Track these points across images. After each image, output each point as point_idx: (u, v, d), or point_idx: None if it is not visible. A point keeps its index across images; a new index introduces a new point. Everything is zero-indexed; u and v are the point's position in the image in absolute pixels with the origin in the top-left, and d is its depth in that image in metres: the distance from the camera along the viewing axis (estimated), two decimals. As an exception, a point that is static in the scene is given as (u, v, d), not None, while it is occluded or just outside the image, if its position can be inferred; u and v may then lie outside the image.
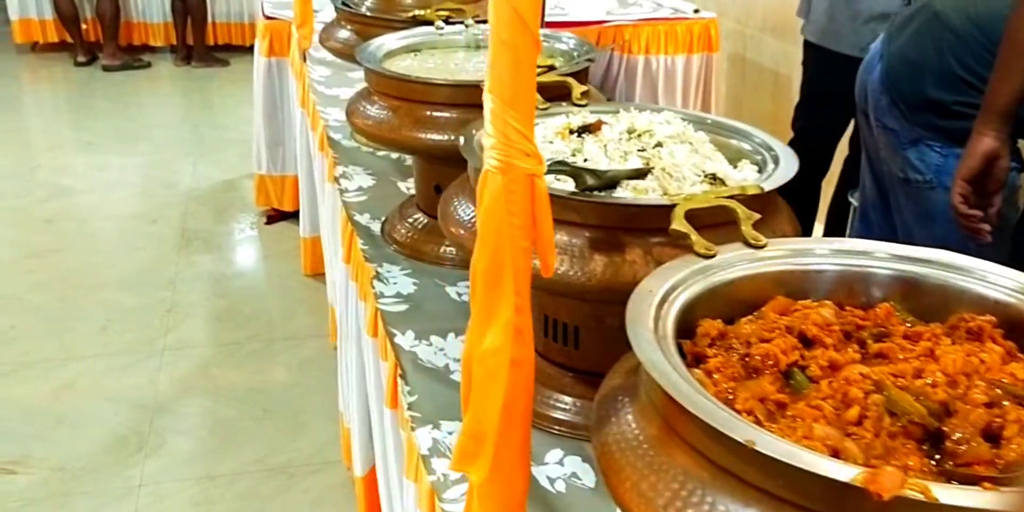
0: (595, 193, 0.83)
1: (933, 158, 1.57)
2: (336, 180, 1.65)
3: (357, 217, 1.49)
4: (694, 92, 3.60)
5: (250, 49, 5.89)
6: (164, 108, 4.88)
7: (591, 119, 1.03)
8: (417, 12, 1.58)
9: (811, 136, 2.71)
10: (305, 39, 2.44)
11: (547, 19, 2.63)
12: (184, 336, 2.53)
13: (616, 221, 0.81)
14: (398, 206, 1.47)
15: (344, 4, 1.75)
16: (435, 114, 1.20)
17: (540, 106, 1.07)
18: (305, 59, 2.49)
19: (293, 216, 3.30)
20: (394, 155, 1.75)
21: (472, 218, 0.92)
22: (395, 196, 1.57)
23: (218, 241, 3.18)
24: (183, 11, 5.51)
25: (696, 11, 3.54)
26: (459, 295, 1.24)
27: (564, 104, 1.09)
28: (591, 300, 0.85)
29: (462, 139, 0.98)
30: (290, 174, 3.23)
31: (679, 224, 0.71)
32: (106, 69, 5.42)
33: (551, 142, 0.95)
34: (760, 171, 0.91)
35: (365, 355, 1.27)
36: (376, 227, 1.46)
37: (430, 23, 1.58)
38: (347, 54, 1.69)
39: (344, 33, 1.71)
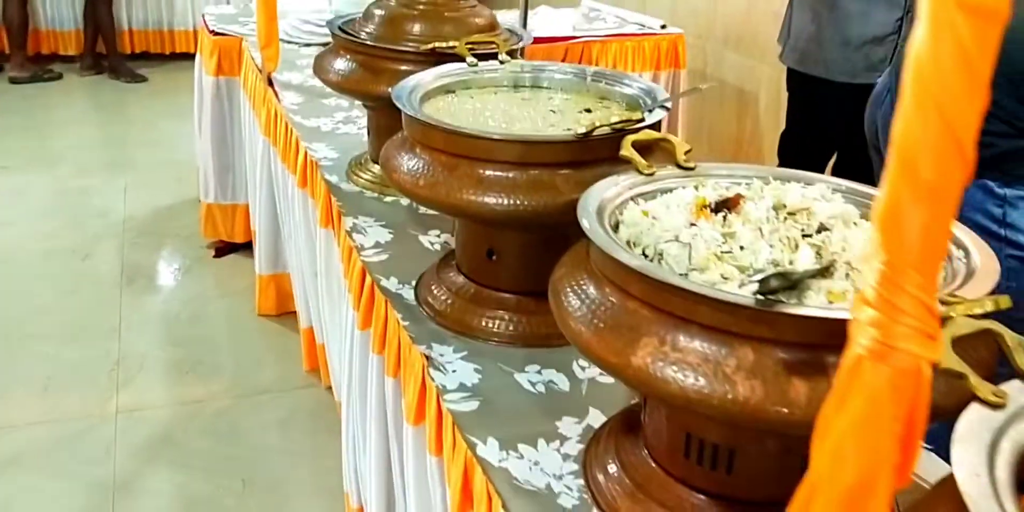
0: (781, 298, 0.68)
1: None
2: (349, 235, 1.45)
3: (385, 282, 1.30)
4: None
5: (169, 57, 5.65)
6: (84, 125, 4.51)
7: (711, 188, 0.88)
8: (438, 44, 1.40)
9: (800, 165, 2.63)
10: (270, 61, 2.22)
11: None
12: (138, 395, 2.27)
13: (822, 337, 0.65)
14: (433, 268, 1.28)
15: (341, 30, 1.55)
16: (497, 174, 1.03)
17: (645, 170, 0.91)
18: (271, 83, 2.27)
19: (243, 248, 3.05)
20: (405, 200, 1.56)
21: (598, 307, 0.75)
22: (420, 253, 1.38)
23: (164, 279, 2.90)
24: (93, 18, 5.13)
25: (663, 27, 3.45)
26: (532, 385, 1.06)
27: (668, 167, 0.93)
28: (782, 433, 0.69)
29: (580, 207, 0.82)
30: (241, 203, 2.98)
31: (952, 363, 0.56)
32: (13, 81, 5.01)
33: (694, 224, 0.79)
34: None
35: (429, 473, 1.07)
36: (407, 293, 1.27)
37: (447, 56, 1.40)
38: (349, 88, 1.50)
39: (342, 63, 1.51)
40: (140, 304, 2.73)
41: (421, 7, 1.50)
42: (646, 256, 0.79)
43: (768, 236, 0.78)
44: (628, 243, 0.81)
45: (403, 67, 1.46)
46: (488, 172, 1.04)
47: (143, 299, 2.77)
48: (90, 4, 5.13)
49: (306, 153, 1.82)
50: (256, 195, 2.44)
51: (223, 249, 3.10)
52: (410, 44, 1.47)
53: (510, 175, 1.03)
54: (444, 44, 1.39)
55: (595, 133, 1.01)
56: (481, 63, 1.31)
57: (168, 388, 2.30)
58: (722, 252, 0.75)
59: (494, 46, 1.36)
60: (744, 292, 0.68)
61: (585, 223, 0.79)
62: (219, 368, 2.40)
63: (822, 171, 2.70)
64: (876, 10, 2.33)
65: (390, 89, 1.43)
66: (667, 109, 1.13)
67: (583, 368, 1.10)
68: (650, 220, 0.82)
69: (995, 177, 1.50)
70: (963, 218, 1.61)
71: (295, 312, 2.29)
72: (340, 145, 1.85)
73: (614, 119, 1.15)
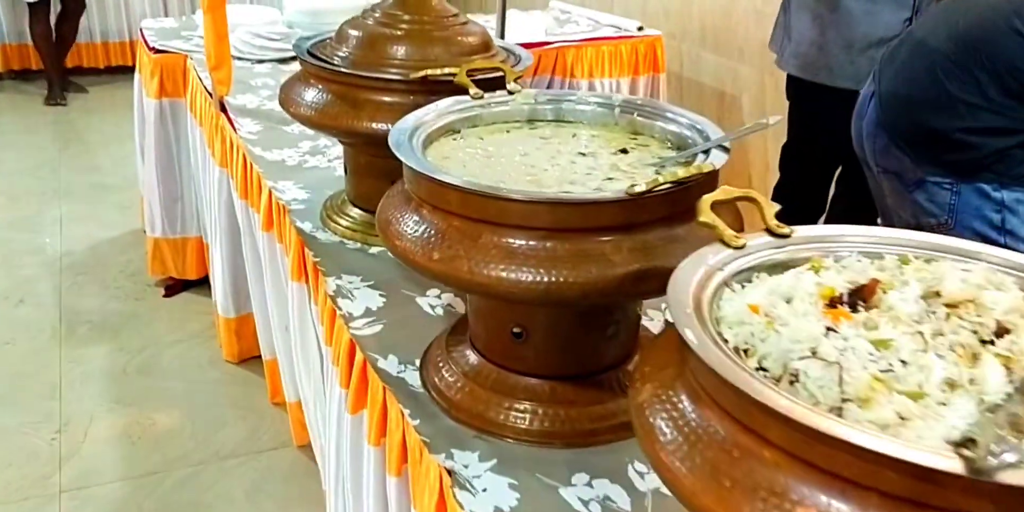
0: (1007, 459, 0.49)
1: (944, 197, 1.45)
2: (332, 300, 1.23)
3: (382, 363, 1.09)
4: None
5: (105, 71, 5.33)
6: (12, 148, 4.20)
7: (833, 270, 0.69)
8: (431, 71, 1.19)
9: (805, 179, 2.47)
10: (222, 84, 2.00)
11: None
12: (86, 467, 2.02)
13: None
14: (441, 343, 1.08)
15: (311, 54, 1.33)
16: (532, 244, 0.83)
17: (734, 243, 0.72)
18: (224, 109, 2.04)
19: (196, 285, 2.81)
20: (379, 250, 1.35)
21: (715, 454, 0.56)
22: (420, 321, 1.18)
23: (110, 325, 2.64)
24: (59, 32, 4.78)
25: (640, 28, 3.29)
26: (584, 504, 0.87)
27: (756, 233, 0.75)
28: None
29: (672, 304, 0.62)
30: (192, 236, 2.74)
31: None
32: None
33: (832, 330, 0.60)
34: None
35: None
36: (411, 377, 1.07)
37: (441, 84, 1.20)
38: (324, 124, 1.28)
39: (315, 95, 1.29)
40: (83, 356, 2.48)
41: (405, 26, 1.29)
42: (763, 369, 0.60)
43: (932, 342, 0.59)
44: (737, 350, 0.62)
45: (387, 98, 1.25)
46: (520, 241, 0.84)
47: (86, 350, 2.51)
48: (61, 17, 4.79)
49: (271, 194, 1.60)
50: (214, 231, 2.20)
51: (174, 287, 2.85)
52: (395, 70, 1.26)
53: (548, 245, 0.83)
54: (439, 71, 1.19)
55: (657, 188, 0.81)
56: (487, 94, 1.11)
57: (119, 458, 2.05)
58: (880, 371, 0.57)
59: (500, 72, 1.16)
60: (946, 449, 0.49)
61: (690, 335, 0.59)
62: (176, 430, 2.16)
63: (828, 184, 2.55)
64: (882, 9, 2.18)
65: (374, 125, 1.24)
66: (727, 151, 0.94)
67: (641, 474, 0.91)
68: (763, 319, 0.63)
69: (990, 179, 1.42)
70: (961, 226, 1.52)
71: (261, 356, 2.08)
72: (310, 182, 1.63)
73: (654, 161, 0.96)
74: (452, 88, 1.22)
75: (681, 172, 0.81)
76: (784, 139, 2.66)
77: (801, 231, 0.76)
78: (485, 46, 1.34)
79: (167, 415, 2.22)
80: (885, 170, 1.55)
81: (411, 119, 1.02)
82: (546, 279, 0.82)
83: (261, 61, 2.50)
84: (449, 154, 1.00)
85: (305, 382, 1.62)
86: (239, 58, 2.47)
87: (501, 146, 1.03)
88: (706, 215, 0.74)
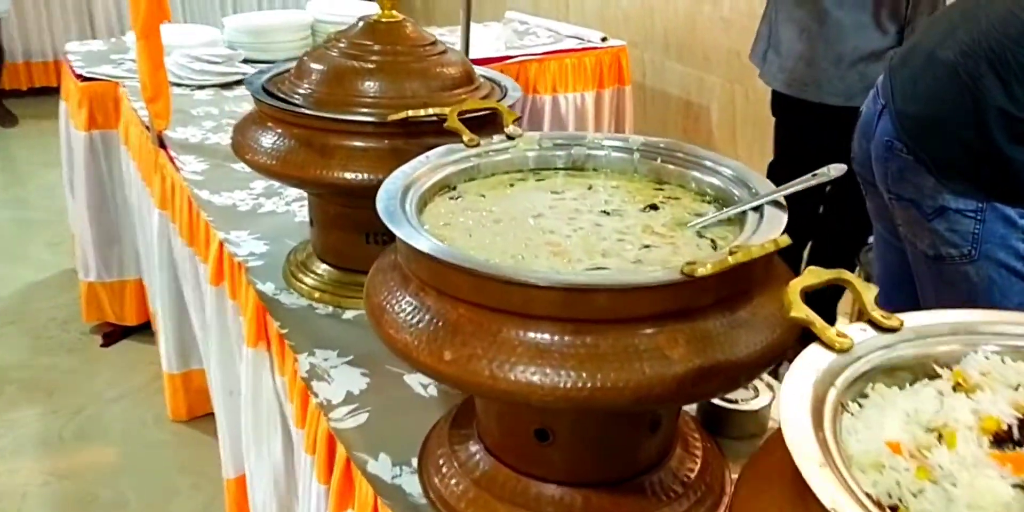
0: None
1: (967, 226, 1.35)
2: (307, 383, 1.07)
3: (372, 466, 0.93)
4: (607, 131, 3.26)
5: (28, 93, 5.03)
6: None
7: (988, 391, 0.55)
8: (413, 113, 1.04)
9: (792, 199, 2.37)
10: (160, 118, 1.81)
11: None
12: (19, 554, 1.82)
13: None
14: (443, 437, 0.92)
15: (267, 92, 1.17)
16: (569, 340, 0.68)
17: (841, 346, 0.58)
18: (163, 144, 1.85)
19: (137, 331, 2.61)
20: (355, 314, 1.19)
21: None
22: (411, 406, 1.02)
23: (42, 383, 2.42)
24: None
25: (604, 39, 3.18)
26: None
27: (855, 324, 0.61)
28: None
29: (794, 446, 0.48)
30: (131, 278, 2.54)
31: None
32: None
33: (1020, 486, 0.46)
34: None
35: None
36: (408, 483, 0.91)
37: (423, 124, 1.05)
38: (287, 174, 1.11)
39: (273, 140, 1.13)
40: (12, 421, 2.25)
41: (376, 58, 1.13)
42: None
43: None
44: (881, 505, 0.48)
45: (361, 143, 1.09)
46: (554, 336, 0.68)
47: (15, 414, 2.28)
48: None
49: (222, 247, 1.43)
50: (156, 279, 2.01)
51: (112, 335, 2.64)
52: (368, 110, 1.10)
53: (589, 340, 0.68)
54: (423, 112, 1.03)
55: (716, 265, 0.67)
56: (483, 140, 0.96)
57: (57, 542, 1.85)
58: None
59: (495, 111, 1.01)
60: None
61: (832, 501, 0.44)
62: (121, 504, 1.96)
63: (816, 204, 2.45)
64: (873, 21, 2.08)
65: (347, 175, 1.08)
66: (784, 209, 0.80)
67: (704, 605, 0.76)
68: (910, 463, 0.49)
69: (1016, 203, 1.31)
70: (985, 257, 1.41)
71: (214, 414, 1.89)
72: (268, 231, 1.46)
73: (692, 219, 0.82)
74: (435, 129, 1.07)
75: (755, 250, 0.67)
76: (770, 157, 2.56)
77: (911, 321, 0.62)
78: (468, 78, 1.19)
79: (110, 488, 2.01)
80: (899, 197, 1.43)
81: (399, 177, 0.86)
82: (589, 384, 0.67)
83: (202, 87, 2.31)
84: (449, 219, 0.85)
85: (253, 458, 1.44)
86: (177, 84, 2.28)
87: (508, 205, 0.88)
88: (799, 308, 0.60)
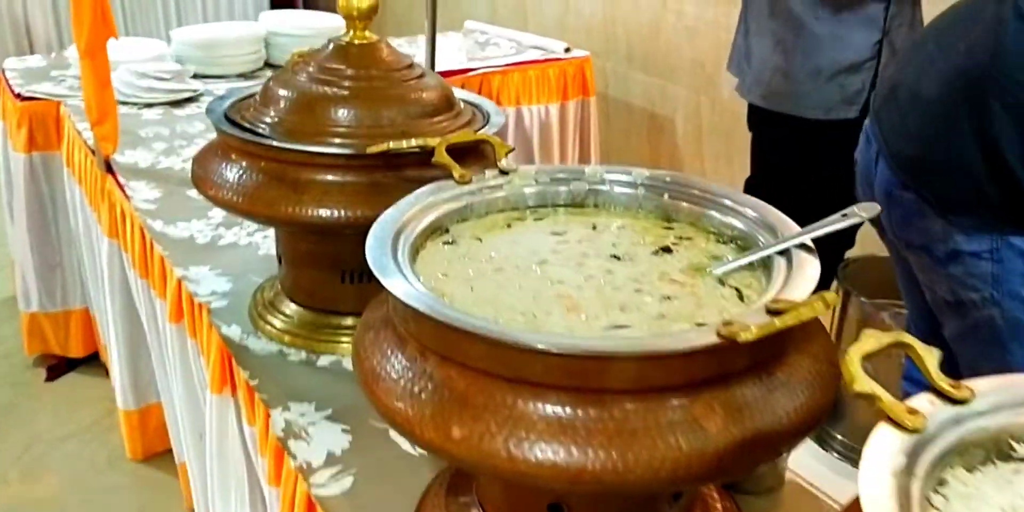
0: None
1: (984, 267, 1.28)
2: (283, 444, 0.98)
3: (362, 542, 0.84)
4: (572, 143, 3.21)
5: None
6: None
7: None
8: (394, 145, 0.96)
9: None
10: (107, 141, 1.71)
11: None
12: None
13: None
14: (441, 508, 0.84)
15: (230, 121, 1.07)
16: (595, 413, 0.61)
17: (911, 424, 0.52)
18: (111, 169, 1.75)
19: (84, 363, 2.48)
20: (331, 360, 1.11)
21: None
22: (400, 466, 0.94)
23: (-20, 423, 2.28)
24: None
25: (568, 50, 3.13)
26: None
27: (931, 399, 0.55)
28: None
29: None
30: (76, 308, 2.41)
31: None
32: None
33: None
34: None
35: None
36: (403, 557, 0.83)
37: (404, 157, 0.97)
38: (255, 212, 1.02)
39: (238, 173, 1.04)
40: (-51, 464, 2.11)
41: (349, 83, 1.05)
42: None
43: None
44: None
45: (337, 177, 1.01)
46: (577, 410, 0.61)
47: (-47, 456, 2.15)
48: None
49: (180, 285, 1.33)
50: (106, 309, 1.89)
51: (57, 368, 2.50)
52: (343, 141, 1.02)
53: (616, 413, 0.61)
54: (405, 145, 0.95)
55: (762, 329, 0.60)
56: (474, 176, 0.88)
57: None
58: None
59: (484, 144, 0.93)
60: None
61: None
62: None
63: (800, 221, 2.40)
64: (851, 33, 2.05)
65: (322, 212, 1.00)
66: (814, 253, 0.74)
67: None
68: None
69: None
70: (1010, 298, 1.30)
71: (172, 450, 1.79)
72: (230, 266, 1.37)
73: (710, 263, 0.76)
74: (417, 160, 0.99)
75: (804, 311, 0.60)
76: (738, 169, 2.52)
77: (980, 388, 0.56)
78: (448, 104, 1.11)
79: (60, 536, 1.89)
80: (909, 244, 1.37)
81: (388, 222, 0.78)
82: (620, 464, 0.60)
83: (150, 105, 2.20)
84: (446, 268, 0.77)
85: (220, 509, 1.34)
86: (123, 102, 2.16)
87: (509, 250, 0.81)
88: (862, 383, 0.53)
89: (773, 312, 0.64)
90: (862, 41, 2.04)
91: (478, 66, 2.91)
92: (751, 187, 2.36)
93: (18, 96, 2.21)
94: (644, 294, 0.73)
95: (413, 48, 2.99)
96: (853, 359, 0.54)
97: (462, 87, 2.92)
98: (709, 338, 0.61)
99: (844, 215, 0.75)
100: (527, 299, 0.72)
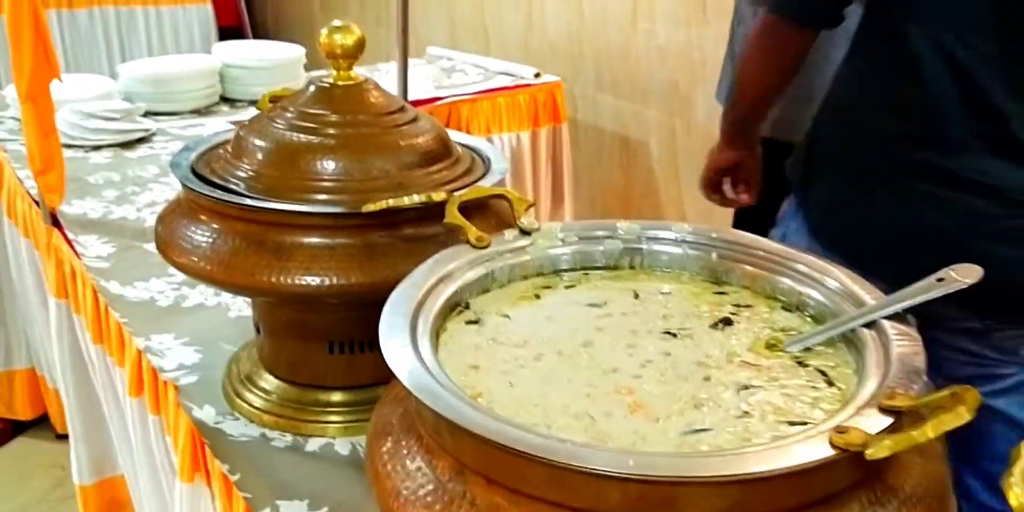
0: None
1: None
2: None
3: None
4: (545, 171, 3.13)
5: None
6: None
7: None
8: (392, 201, 0.84)
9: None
10: (52, 192, 1.56)
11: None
12: None
13: None
14: None
15: (199, 176, 0.95)
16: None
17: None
18: (57, 223, 1.60)
19: (35, 425, 2.31)
20: (343, 446, 0.98)
21: None
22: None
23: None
24: None
25: (537, 75, 3.06)
26: None
27: None
28: None
29: None
30: (20, 368, 2.24)
31: None
32: None
33: None
34: None
35: None
36: None
37: (401, 214, 0.85)
38: (231, 283, 0.90)
39: (209, 236, 0.91)
40: None
41: (334, 131, 0.93)
42: None
43: None
44: None
45: (325, 239, 0.89)
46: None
47: None
48: None
49: (140, 357, 1.19)
50: (60, 376, 1.74)
51: (3, 432, 2.33)
52: (330, 197, 0.90)
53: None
54: (407, 201, 0.84)
55: (899, 442, 0.49)
56: (493, 238, 0.77)
57: None
58: None
59: (502, 201, 0.82)
60: None
61: None
62: None
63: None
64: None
65: (309, 280, 0.87)
66: (911, 325, 0.64)
67: None
68: None
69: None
70: None
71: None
72: (198, 333, 1.23)
73: (782, 336, 0.65)
74: (416, 216, 0.88)
75: (947, 418, 0.49)
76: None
77: None
78: (445, 150, 1.00)
79: None
80: None
81: (401, 303, 0.66)
82: None
83: (98, 148, 2.05)
84: (474, 358, 0.65)
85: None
86: (69, 146, 2.01)
87: (544, 330, 0.69)
88: (1044, 516, 0.43)
89: (890, 411, 0.53)
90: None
91: (446, 95, 2.82)
92: (745, 218, 2.27)
93: (-50, 141, 2.05)
94: (716, 383, 0.62)
95: (376, 77, 2.88)
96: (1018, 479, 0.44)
97: (431, 117, 2.83)
98: (822, 450, 0.50)
99: (940, 279, 0.65)
100: (580, 397, 0.60)
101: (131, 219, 1.64)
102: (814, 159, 1.34)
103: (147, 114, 2.26)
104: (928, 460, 0.59)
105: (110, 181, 1.85)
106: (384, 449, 0.62)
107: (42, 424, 2.31)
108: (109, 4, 4.77)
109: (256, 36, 5.53)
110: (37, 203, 1.67)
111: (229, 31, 5.25)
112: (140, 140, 2.10)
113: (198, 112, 2.39)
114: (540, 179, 3.14)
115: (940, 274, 0.65)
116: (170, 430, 1.16)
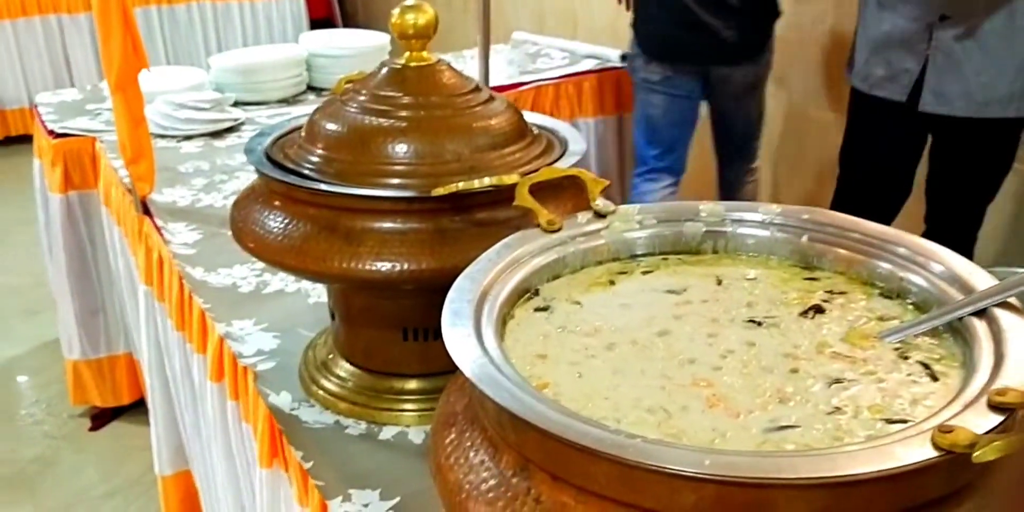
0: None
1: None
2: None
3: None
4: (630, 156, 3.06)
5: (2, 143, 4.81)
6: None
7: None
8: (462, 184, 0.81)
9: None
10: (143, 181, 1.60)
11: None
12: None
13: None
14: None
15: (272, 161, 0.94)
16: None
17: None
18: (147, 210, 1.63)
19: (132, 408, 2.38)
20: (416, 433, 0.96)
21: None
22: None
23: (24, 477, 2.18)
24: None
25: (623, 57, 2.99)
26: None
27: None
28: None
29: None
30: (119, 352, 2.31)
31: None
32: None
33: None
34: None
35: None
36: None
37: (469, 197, 0.82)
38: (303, 268, 0.89)
39: (282, 222, 0.90)
40: (-9, 526, 2.02)
41: (407, 113, 0.91)
42: None
43: None
44: None
45: (396, 224, 0.87)
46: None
47: (-5, 517, 2.06)
48: None
49: (222, 343, 1.20)
50: (145, 365, 1.78)
51: (102, 416, 2.41)
52: (402, 181, 0.88)
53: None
54: (477, 184, 0.81)
55: (1012, 441, 0.44)
56: (566, 221, 0.74)
57: None
58: None
59: (571, 178, 0.78)
60: None
61: None
62: None
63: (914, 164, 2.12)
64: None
65: (379, 265, 0.86)
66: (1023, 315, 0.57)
67: None
68: None
69: None
70: None
71: None
72: (277, 319, 1.23)
73: (879, 325, 0.59)
74: (489, 200, 0.85)
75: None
76: (803, 176, 2.33)
77: None
78: (520, 132, 0.96)
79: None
80: None
81: (467, 289, 0.63)
82: None
83: (189, 137, 2.09)
84: (543, 347, 0.62)
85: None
86: (161, 136, 2.06)
87: (617, 318, 0.65)
88: None
89: (1001, 408, 0.48)
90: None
91: (530, 79, 2.78)
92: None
93: (51, 133, 2.12)
94: (805, 376, 0.57)
95: (460, 64, 2.87)
96: None
97: (515, 102, 2.80)
98: (924, 451, 0.45)
99: (1060, 264, 0.58)
100: (654, 389, 0.56)
101: (217, 206, 1.67)
102: None
103: (236, 104, 2.30)
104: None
105: (199, 170, 1.89)
106: (448, 441, 0.59)
107: (140, 407, 2.38)
108: (206, -1, 4.91)
109: (346, 27, 5.61)
110: (130, 191, 1.71)
111: (321, 23, 5.33)
112: (229, 129, 2.14)
113: (285, 101, 2.42)
114: (626, 164, 3.08)
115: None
116: (248, 416, 1.17)
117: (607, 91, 2.90)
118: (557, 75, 2.81)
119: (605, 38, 3.69)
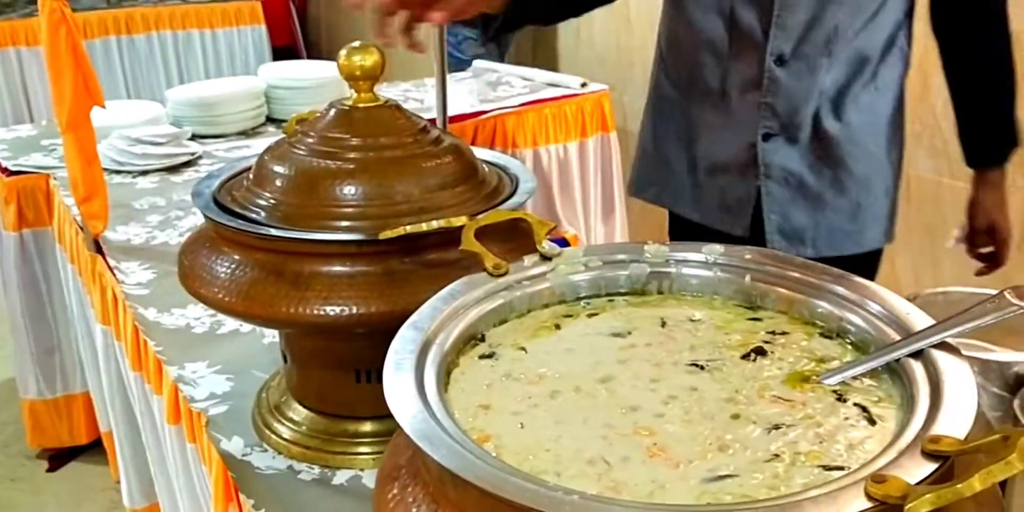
0: None
1: None
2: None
3: None
4: (594, 182, 3.08)
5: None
6: None
7: None
8: (410, 227, 0.81)
9: None
10: (96, 219, 1.58)
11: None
12: None
13: None
14: None
15: (219, 205, 0.93)
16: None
17: None
18: (100, 249, 1.61)
19: (90, 449, 2.33)
20: (367, 476, 0.95)
21: None
22: None
23: (-22, 524, 2.13)
24: None
25: (584, 85, 3.02)
26: None
27: None
28: None
29: None
30: (77, 392, 2.28)
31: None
32: None
33: None
34: None
35: None
36: None
37: (420, 239, 0.82)
38: (252, 314, 0.88)
39: (230, 267, 0.89)
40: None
41: (355, 155, 0.91)
42: None
43: None
44: None
45: (344, 267, 0.86)
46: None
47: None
48: None
49: (176, 389, 1.18)
50: (107, 403, 1.76)
51: (60, 457, 2.36)
52: (351, 224, 0.88)
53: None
54: (425, 227, 0.81)
55: (944, 494, 0.44)
56: (512, 265, 0.74)
57: None
58: None
59: (523, 226, 0.79)
60: None
61: None
62: None
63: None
64: None
65: (328, 309, 0.85)
66: (960, 356, 0.58)
67: None
68: None
69: None
70: None
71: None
72: (230, 361, 1.22)
73: (818, 368, 0.60)
74: (439, 241, 0.85)
75: (996, 469, 0.44)
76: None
77: None
78: (471, 170, 0.97)
79: None
80: None
81: (410, 338, 0.63)
82: None
83: (145, 173, 2.07)
84: (486, 396, 0.62)
85: None
86: (116, 171, 2.04)
87: (561, 364, 0.65)
88: None
89: (934, 455, 0.48)
90: None
91: (491, 108, 2.79)
92: None
93: (5, 170, 2.09)
94: (745, 422, 0.58)
95: (421, 92, 2.88)
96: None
97: (475, 131, 2.81)
98: (858, 503, 0.45)
99: (995, 301, 0.59)
100: (596, 440, 0.56)
101: (172, 244, 1.65)
102: None
103: (194, 137, 2.28)
104: (983, 507, 0.53)
105: (155, 206, 1.87)
106: (390, 496, 0.58)
107: (98, 447, 2.34)
108: (166, 28, 4.87)
109: (310, 55, 5.60)
110: (83, 230, 1.68)
111: (284, 51, 5.32)
112: (187, 164, 2.12)
113: (245, 134, 2.40)
114: (589, 190, 3.10)
115: (993, 295, 0.59)
116: (204, 460, 1.15)
117: (568, 117, 2.92)
118: (518, 103, 2.83)
119: (565, 67, 3.73)
